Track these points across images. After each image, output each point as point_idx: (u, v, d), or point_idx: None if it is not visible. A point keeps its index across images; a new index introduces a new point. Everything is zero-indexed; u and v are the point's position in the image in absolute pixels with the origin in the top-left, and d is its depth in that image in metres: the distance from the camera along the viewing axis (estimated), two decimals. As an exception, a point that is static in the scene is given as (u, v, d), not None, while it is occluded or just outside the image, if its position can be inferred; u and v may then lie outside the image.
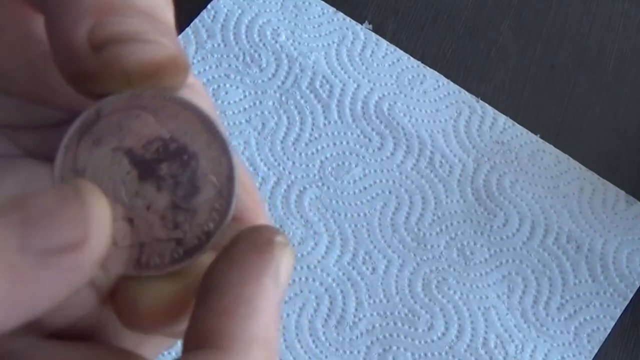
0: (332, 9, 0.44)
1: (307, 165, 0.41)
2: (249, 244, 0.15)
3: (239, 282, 0.14)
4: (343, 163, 0.41)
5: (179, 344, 0.17)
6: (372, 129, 0.41)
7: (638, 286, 0.38)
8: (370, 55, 0.43)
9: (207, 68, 0.42)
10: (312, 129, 0.41)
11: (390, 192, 0.40)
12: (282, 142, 0.41)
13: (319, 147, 0.41)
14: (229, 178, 0.16)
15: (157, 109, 0.16)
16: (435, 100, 0.42)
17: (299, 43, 0.43)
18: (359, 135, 0.41)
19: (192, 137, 0.16)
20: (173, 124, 0.16)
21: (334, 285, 0.38)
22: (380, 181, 0.40)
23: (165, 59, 0.15)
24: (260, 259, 0.14)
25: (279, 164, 0.41)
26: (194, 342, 0.14)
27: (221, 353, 0.13)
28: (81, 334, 0.16)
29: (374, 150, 0.41)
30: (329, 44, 0.43)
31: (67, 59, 0.14)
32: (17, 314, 0.12)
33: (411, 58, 0.43)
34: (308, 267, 0.38)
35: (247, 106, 0.42)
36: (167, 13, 0.16)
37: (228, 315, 0.14)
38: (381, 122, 0.41)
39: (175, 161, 0.16)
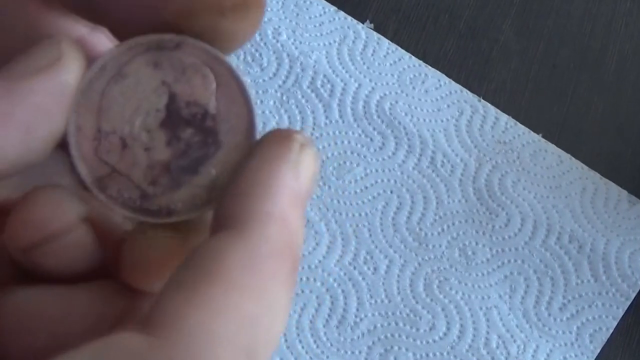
0: (333, 8, 0.44)
1: (308, 165, 0.40)
2: (270, 138, 0.15)
3: (256, 168, 0.15)
4: (344, 162, 0.40)
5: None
6: (374, 129, 0.41)
7: (640, 286, 0.38)
8: (372, 55, 0.43)
9: (207, 67, 0.42)
10: (314, 129, 0.41)
11: (391, 192, 0.40)
12: (283, 141, 0.41)
13: (320, 147, 0.41)
14: (224, 189, 0.16)
15: (224, 83, 0.16)
16: (437, 100, 0.42)
17: (300, 42, 0.43)
18: (360, 135, 0.41)
19: (230, 129, 0.16)
20: (225, 106, 0.16)
21: (335, 285, 0.38)
22: (382, 181, 0.40)
23: None
24: (278, 148, 0.15)
25: (280, 164, 0.40)
26: (213, 230, 0.14)
27: (236, 231, 0.14)
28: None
29: (375, 150, 0.41)
30: (330, 43, 0.43)
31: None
32: (17, 130, 0.14)
33: (413, 57, 0.43)
34: (309, 267, 0.38)
35: (248, 105, 0.41)
36: None
37: (244, 196, 0.14)
38: (383, 122, 0.41)
39: (200, 135, 0.16)
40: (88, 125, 0.15)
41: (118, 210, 0.16)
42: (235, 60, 0.42)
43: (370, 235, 0.39)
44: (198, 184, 0.16)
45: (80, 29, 0.18)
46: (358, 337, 0.37)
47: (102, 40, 0.18)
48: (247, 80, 0.16)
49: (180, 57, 0.15)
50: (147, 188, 0.16)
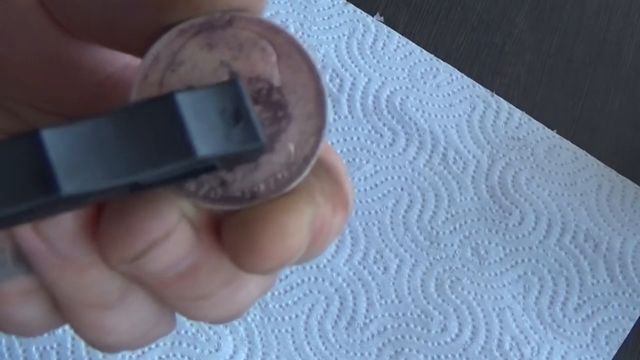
0: (342, 1, 0.43)
1: (317, 162, 0.40)
2: None
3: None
4: (354, 159, 0.40)
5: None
6: (384, 124, 0.40)
7: (658, 287, 0.37)
8: (382, 48, 0.42)
9: (214, 61, 0.42)
10: (322, 124, 0.40)
11: (402, 189, 0.39)
12: (291, 137, 0.40)
13: (329, 143, 0.40)
14: (307, 158, 0.15)
15: (284, 53, 0.15)
16: (449, 95, 0.41)
17: (308, 36, 0.42)
18: (370, 131, 0.40)
19: (298, 99, 0.15)
20: (289, 76, 0.15)
21: (344, 285, 0.37)
22: (392, 178, 0.39)
23: None
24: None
25: (287, 160, 0.40)
26: None
27: None
28: None
29: (385, 146, 0.40)
30: (339, 37, 0.42)
31: None
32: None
33: (424, 51, 0.42)
34: (317, 266, 0.37)
35: (255, 101, 0.41)
36: None
37: None
38: (393, 117, 0.40)
39: (269, 111, 0.15)
40: None
41: (201, 204, 0.15)
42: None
43: (380, 234, 0.38)
44: (277, 162, 0.15)
45: (124, 57, 0.18)
46: (368, 339, 0.36)
47: None
48: (307, 47, 0.15)
49: (234, 33, 0.15)
50: (225, 175, 0.15)
